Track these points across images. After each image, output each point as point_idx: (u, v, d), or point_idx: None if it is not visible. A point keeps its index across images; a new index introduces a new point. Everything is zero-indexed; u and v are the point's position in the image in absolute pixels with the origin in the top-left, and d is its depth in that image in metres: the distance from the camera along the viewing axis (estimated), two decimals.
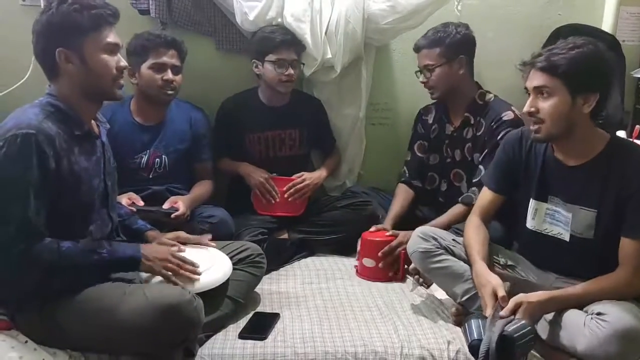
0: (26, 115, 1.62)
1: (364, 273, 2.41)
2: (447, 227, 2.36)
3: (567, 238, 1.91)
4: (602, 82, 1.82)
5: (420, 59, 2.46)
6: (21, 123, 1.58)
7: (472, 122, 2.46)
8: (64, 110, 1.68)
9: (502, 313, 1.73)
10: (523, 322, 1.68)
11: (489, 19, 2.92)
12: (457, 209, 2.41)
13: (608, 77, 1.88)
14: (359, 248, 2.46)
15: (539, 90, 1.82)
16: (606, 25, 3.00)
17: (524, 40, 2.74)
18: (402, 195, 2.65)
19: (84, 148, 1.72)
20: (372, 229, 2.46)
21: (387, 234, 2.42)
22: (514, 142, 2.05)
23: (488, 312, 1.77)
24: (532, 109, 1.84)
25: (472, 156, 2.46)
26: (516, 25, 2.94)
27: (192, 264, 1.86)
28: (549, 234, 1.96)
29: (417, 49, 2.47)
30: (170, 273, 1.79)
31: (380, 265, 2.36)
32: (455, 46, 2.39)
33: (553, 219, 1.95)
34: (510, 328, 1.65)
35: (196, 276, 1.84)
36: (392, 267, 2.37)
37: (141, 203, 2.25)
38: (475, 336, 1.71)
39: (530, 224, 2.01)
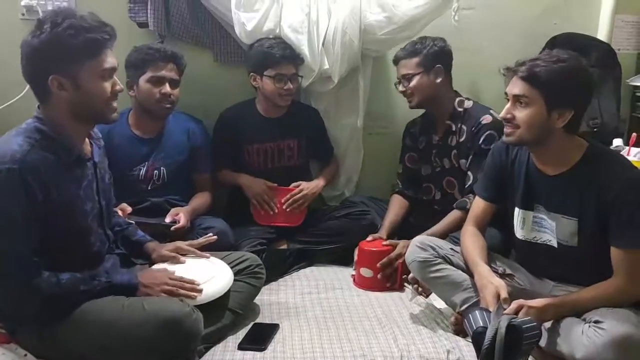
0: (10, 146, 1.56)
1: (361, 283, 2.41)
2: (444, 234, 2.37)
3: (555, 245, 1.92)
4: (579, 99, 1.83)
5: (399, 70, 2.54)
6: (5, 156, 1.53)
7: (454, 129, 2.51)
8: (52, 137, 1.62)
9: (505, 312, 1.73)
10: (530, 317, 1.69)
11: (485, 28, 2.94)
12: (452, 215, 2.43)
13: (586, 96, 1.88)
14: (356, 258, 2.46)
15: (517, 99, 1.84)
16: (601, 34, 3.02)
17: (520, 49, 2.74)
18: (397, 205, 2.68)
19: (74, 174, 1.68)
20: (369, 238, 2.47)
21: (384, 243, 2.43)
22: (500, 150, 2.07)
23: (491, 310, 1.78)
24: (509, 116, 1.86)
25: (458, 163, 2.51)
26: (512, 34, 2.96)
27: (191, 282, 1.84)
28: (539, 241, 1.97)
29: (396, 60, 2.55)
30: (169, 294, 1.77)
31: (378, 276, 2.36)
32: (432, 56, 2.47)
33: (541, 226, 1.96)
34: (517, 320, 1.67)
35: (195, 294, 1.81)
36: (390, 277, 2.38)
37: (129, 209, 2.25)
38: (481, 324, 1.72)
39: (519, 233, 2.01)
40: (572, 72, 1.79)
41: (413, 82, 2.48)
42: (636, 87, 3.03)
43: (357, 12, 2.61)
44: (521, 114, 1.83)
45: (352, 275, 2.48)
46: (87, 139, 1.77)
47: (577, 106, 1.82)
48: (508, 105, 1.87)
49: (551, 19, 2.99)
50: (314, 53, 2.63)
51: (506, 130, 1.89)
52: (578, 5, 3.02)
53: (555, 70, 1.77)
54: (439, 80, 2.49)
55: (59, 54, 1.56)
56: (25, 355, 1.71)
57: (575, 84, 1.80)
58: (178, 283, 1.81)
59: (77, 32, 1.56)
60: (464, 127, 2.48)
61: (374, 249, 2.40)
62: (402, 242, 2.39)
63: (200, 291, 1.83)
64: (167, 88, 2.33)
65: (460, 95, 2.56)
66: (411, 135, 2.74)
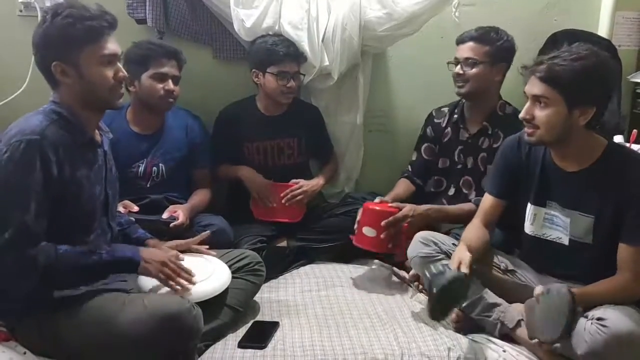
0: (30, 121, 1.62)
1: (362, 242, 2.33)
2: (453, 216, 2.37)
3: (566, 242, 1.92)
4: (601, 95, 1.80)
5: (462, 51, 2.41)
6: (25, 129, 1.59)
7: (490, 132, 2.44)
8: (68, 118, 1.68)
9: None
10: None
11: (485, 25, 2.92)
12: (467, 205, 2.40)
13: (608, 91, 1.85)
14: (359, 217, 2.36)
15: (536, 99, 1.81)
16: (602, 31, 3.02)
17: (521, 46, 2.73)
18: (404, 185, 2.64)
19: (86, 156, 1.73)
20: (377, 200, 2.40)
21: (391, 205, 2.35)
22: (512, 146, 2.05)
23: None
24: (528, 116, 1.84)
25: (485, 167, 2.44)
26: (513, 31, 2.92)
27: (189, 273, 1.85)
28: (548, 238, 1.96)
29: (463, 40, 2.42)
30: (165, 277, 1.78)
31: (381, 235, 2.28)
32: (502, 51, 2.39)
33: (552, 223, 1.95)
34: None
35: (190, 285, 1.82)
36: (392, 238, 2.30)
37: (135, 208, 2.25)
38: (441, 269, 1.79)
39: (529, 229, 2.01)
40: (593, 69, 1.74)
41: (475, 70, 2.37)
42: (637, 83, 3.03)
43: (356, 8, 2.60)
44: (541, 114, 1.80)
45: (350, 236, 2.39)
46: (96, 130, 1.81)
47: (599, 103, 1.79)
48: (527, 105, 1.84)
49: (552, 15, 2.99)
50: (313, 49, 2.62)
51: (527, 130, 1.87)
52: (578, 2, 3.02)
53: (576, 68, 1.73)
54: (497, 79, 2.42)
55: (60, 41, 1.63)
56: (25, 353, 1.70)
57: (596, 81, 1.76)
58: (177, 269, 1.82)
59: (75, 20, 1.62)
60: (500, 133, 2.38)
61: (380, 208, 2.33)
62: (409, 206, 2.33)
63: (191, 287, 1.83)
64: (170, 85, 2.33)
65: (502, 99, 2.49)
66: (435, 126, 2.64)
